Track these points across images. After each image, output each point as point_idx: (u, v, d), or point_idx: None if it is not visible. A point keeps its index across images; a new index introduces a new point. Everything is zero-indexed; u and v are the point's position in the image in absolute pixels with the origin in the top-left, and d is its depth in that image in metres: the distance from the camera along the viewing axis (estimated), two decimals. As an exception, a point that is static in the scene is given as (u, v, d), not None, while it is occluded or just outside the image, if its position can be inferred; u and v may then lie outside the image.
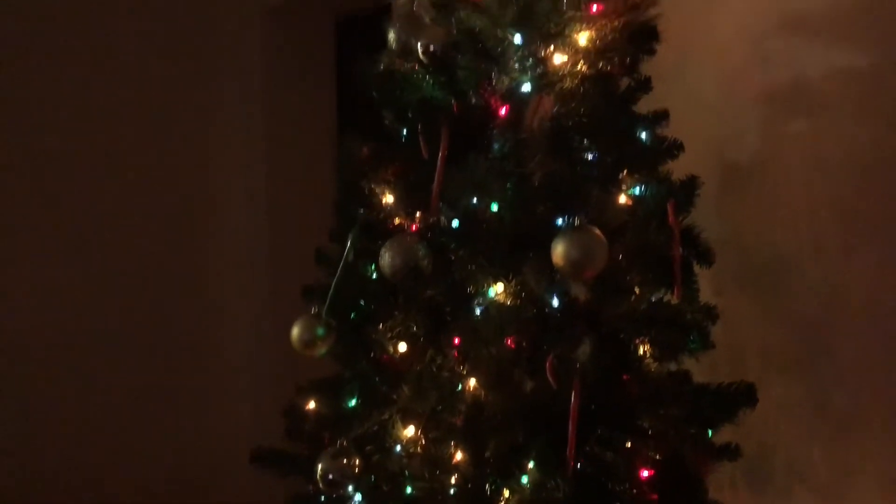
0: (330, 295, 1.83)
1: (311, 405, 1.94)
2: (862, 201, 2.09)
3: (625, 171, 1.73)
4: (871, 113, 2.08)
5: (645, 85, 1.81)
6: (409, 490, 1.76)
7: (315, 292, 1.88)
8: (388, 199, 1.80)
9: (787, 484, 2.19)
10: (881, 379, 2.06)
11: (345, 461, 1.75)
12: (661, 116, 1.81)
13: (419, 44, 1.78)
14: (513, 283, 1.66)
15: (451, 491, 1.70)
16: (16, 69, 3.18)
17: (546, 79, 1.69)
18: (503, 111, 1.75)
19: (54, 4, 3.25)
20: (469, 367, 1.71)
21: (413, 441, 1.73)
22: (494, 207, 1.71)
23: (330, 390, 1.92)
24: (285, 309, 2.00)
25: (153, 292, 3.40)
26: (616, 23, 1.68)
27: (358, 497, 1.83)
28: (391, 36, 1.81)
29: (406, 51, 1.79)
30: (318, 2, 3.55)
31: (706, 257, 1.79)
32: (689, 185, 1.76)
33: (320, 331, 1.81)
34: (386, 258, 1.69)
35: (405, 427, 1.74)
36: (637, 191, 1.74)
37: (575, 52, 1.68)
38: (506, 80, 1.73)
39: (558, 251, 1.54)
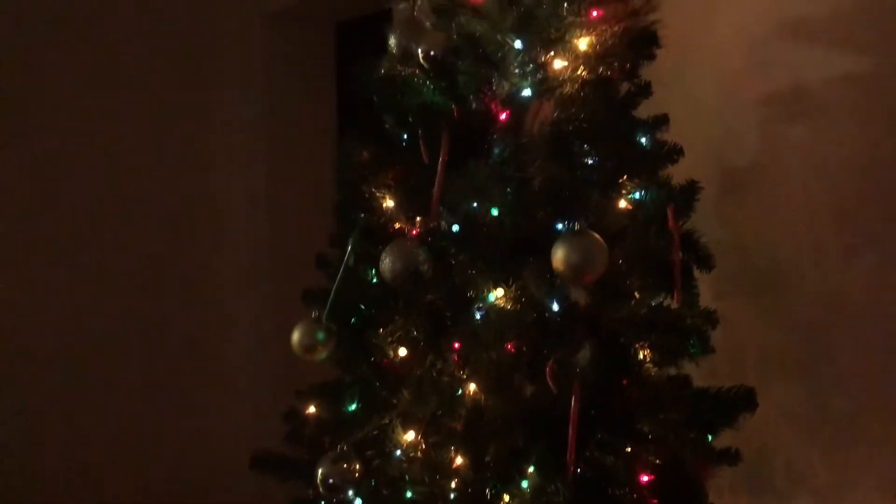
0: (330, 299, 1.83)
1: (312, 409, 1.94)
2: (861, 204, 2.09)
3: (625, 176, 1.73)
4: (870, 116, 2.08)
5: (645, 90, 1.81)
6: (409, 494, 1.77)
7: (315, 297, 1.88)
8: (389, 203, 1.81)
9: (787, 488, 2.19)
10: (881, 382, 2.06)
11: (345, 466, 1.75)
12: (660, 121, 1.82)
13: (420, 49, 1.78)
14: (513, 287, 1.66)
15: (452, 495, 1.70)
16: (20, 76, 3.19)
17: (546, 84, 1.69)
18: (503, 116, 1.75)
19: (57, 9, 3.26)
20: (469, 371, 1.71)
21: (413, 445, 1.73)
22: (495, 212, 1.71)
23: (330, 395, 1.92)
24: (286, 313, 2.01)
25: (154, 295, 3.41)
26: (616, 28, 1.68)
27: (358, 501, 1.83)
28: (392, 41, 1.81)
29: (407, 56, 1.79)
30: (319, 6, 3.55)
31: (706, 262, 1.79)
32: (689, 190, 1.76)
33: (321, 335, 1.81)
34: (386, 262, 1.69)
35: (405, 431, 1.74)
36: (637, 195, 1.74)
37: (575, 58, 1.68)
38: (506, 85, 1.73)
39: (558, 256, 1.54)
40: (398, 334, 1.76)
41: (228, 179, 3.62)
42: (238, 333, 3.57)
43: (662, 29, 1.74)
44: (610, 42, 1.68)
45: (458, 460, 1.70)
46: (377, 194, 1.81)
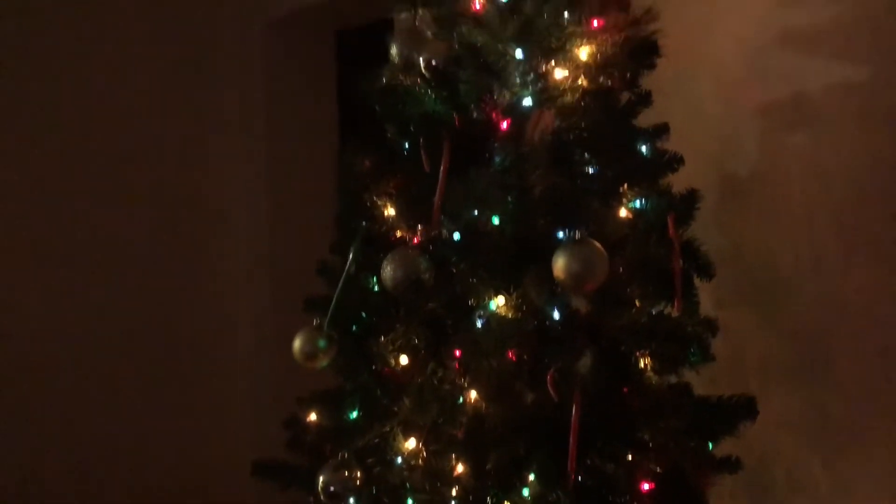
0: (332, 307, 1.84)
1: (313, 417, 1.94)
2: (861, 213, 2.10)
3: (625, 185, 1.74)
4: (869, 124, 2.09)
5: (645, 99, 1.82)
6: (410, 502, 1.76)
7: (317, 304, 1.89)
8: (390, 211, 1.81)
9: (787, 496, 2.19)
10: (881, 390, 2.06)
11: (346, 473, 1.76)
12: (661, 130, 1.82)
13: (421, 58, 1.79)
14: (514, 295, 1.67)
15: (453, 503, 1.70)
16: (22, 77, 3.20)
17: (547, 93, 1.70)
18: (504, 125, 1.75)
19: (59, 12, 3.27)
20: (470, 379, 1.71)
21: (414, 453, 1.73)
22: (496, 220, 1.72)
23: (331, 402, 1.93)
24: (287, 321, 2.01)
25: (154, 298, 3.41)
26: (617, 38, 1.69)
27: (359, 509, 1.83)
28: (393, 50, 1.82)
29: (408, 65, 1.80)
30: (319, 14, 3.56)
31: (706, 270, 1.79)
32: (690, 199, 1.77)
33: (322, 343, 1.81)
34: (387, 271, 1.69)
35: (406, 439, 1.74)
36: (637, 204, 1.74)
37: (576, 67, 1.69)
38: (507, 95, 1.74)
39: (559, 264, 1.55)
40: (399, 342, 1.76)
41: (229, 185, 3.63)
42: (239, 344, 3.58)
43: (663, 38, 1.75)
44: (610, 52, 1.69)
45: (459, 468, 1.69)
46: (378, 202, 1.81)
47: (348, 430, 1.84)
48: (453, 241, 1.75)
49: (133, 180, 3.41)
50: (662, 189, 1.77)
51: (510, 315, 1.67)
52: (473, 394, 1.71)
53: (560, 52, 1.69)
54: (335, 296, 1.84)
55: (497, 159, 1.73)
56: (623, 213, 1.74)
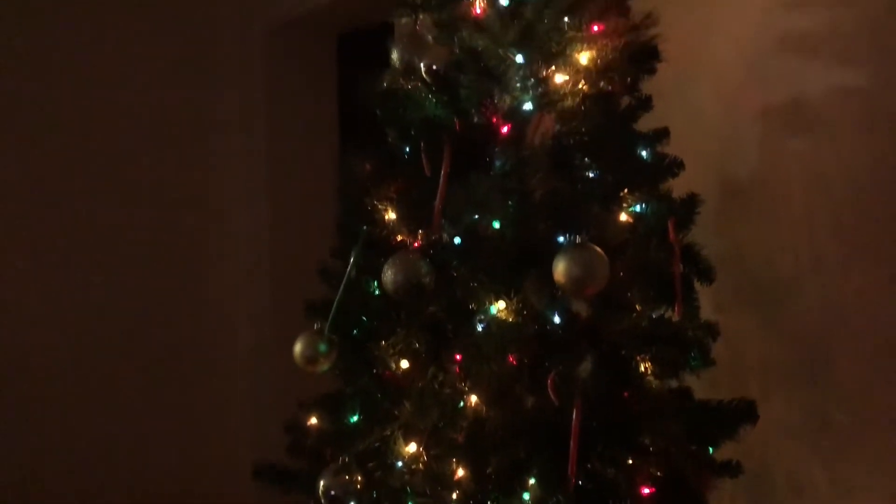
0: (332, 311, 1.84)
1: (313, 421, 1.94)
2: (861, 218, 2.10)
3: (626, 189, 1.74)
4: (869, 128, 2.09)
5: (645, 103, 1.83)
6: (410, 506, 1.77)
7: (318, 308, 1.89)
8: (391, 215, 1.81)
9: (788, 500, 2.19)
10: (882, 394, 2.06)
11: (346, 477, 1.76)
12: (661, 134, 1.83)
13: (422, 63, 1.79)
14: (514, 300, 1.67)
15: (453, 507, 1.70)
16: (23, 79, 3.21)
17: (547, 98, 1.70)
18: (505, 129, 1.76)
19: (59, 15, 3.28)
20: (471, 383, 1.71)
21: (415, 457, 1.73)
22: (496, 225, 1.72)
23: (332, 406, 1.93)
24: (287, 321, 2.01)
25: (155, 302, 3.42)
26: (617, 42, 1.69)
27: (360, 513, 1.83)
28: (394, 55, 1.82)
29: (409, 70, 1.80)
30: (320, 18, 3.57)
31: (707, 274, 1.80)
32: (690, 203, 1.78)
33: (323, 347, 1.82)
34: (388, 275, 1.70)
35: (407, 443, 1.74)
36: (638, 208, 1.75)
37: (576, 72, 1.69)
38: (507, 99, 1.74)
39: (560, 268, 1.55)
40: (400, 346, 1.76)
41: (229, 185, 3.64)
42: (240, 347, 3.58)
43: (663, 43, 1.76)
44: (611, 56, 1.69)
45: (460, 472, 1.70)
46: (379, 207, 1.81)
47: (349, 434, 1.85)
48: (454, 245, 1.76)
49: (133, 180, 3.41)
50: (663, 193, 1.78)
51: (511, 319, 1.67)
52: (474, 398, 1.71)
53: (560, 56, 1.69)
54: (336, 300, 1.84)
55: (498, 163, 1.73)
56: (623, 217, 1.74)
